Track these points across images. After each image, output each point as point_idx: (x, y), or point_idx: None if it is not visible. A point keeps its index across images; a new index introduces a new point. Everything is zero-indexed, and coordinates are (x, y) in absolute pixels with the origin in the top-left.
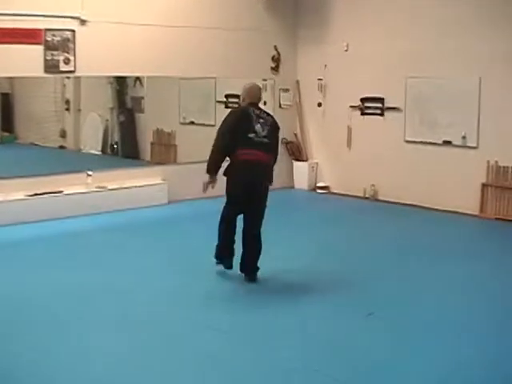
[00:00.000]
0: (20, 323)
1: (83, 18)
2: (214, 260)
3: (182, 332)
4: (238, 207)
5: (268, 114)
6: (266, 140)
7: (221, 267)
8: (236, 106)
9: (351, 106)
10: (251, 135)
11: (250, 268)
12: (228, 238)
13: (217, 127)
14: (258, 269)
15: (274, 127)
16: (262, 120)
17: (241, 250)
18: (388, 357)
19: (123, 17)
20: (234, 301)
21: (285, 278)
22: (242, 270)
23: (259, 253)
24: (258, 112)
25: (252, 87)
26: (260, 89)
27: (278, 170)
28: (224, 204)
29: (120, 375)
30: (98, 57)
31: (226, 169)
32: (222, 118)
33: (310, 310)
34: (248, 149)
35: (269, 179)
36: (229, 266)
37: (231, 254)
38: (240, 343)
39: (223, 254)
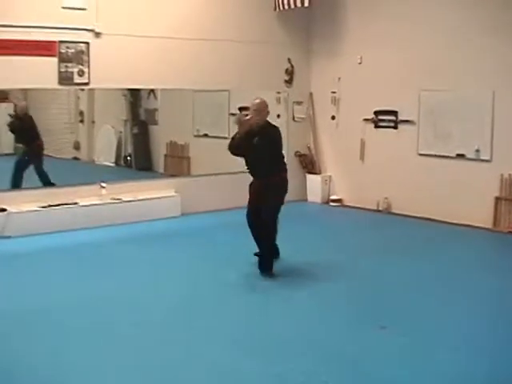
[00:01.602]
0: (33, 333)
1: (97, 30)
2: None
3: (196, 344)
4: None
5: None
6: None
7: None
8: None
9: (365, 119)
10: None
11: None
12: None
13: (229, 139)
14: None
15: (277, 139)
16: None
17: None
18: (400, 370)
19: (137, 29)
20: (246, 312)
21: (296, 290)
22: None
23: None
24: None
25: (257, 103)
26: (263, 103)
27: (291, 183)
28: None
29: None
30: (111, 69)
31: None
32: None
33: (322, 322)
34: None
35: None
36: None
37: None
38: (247, 353)
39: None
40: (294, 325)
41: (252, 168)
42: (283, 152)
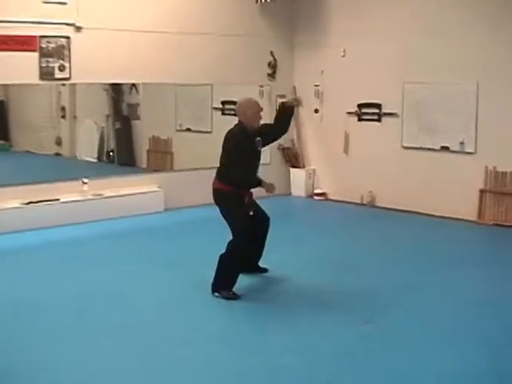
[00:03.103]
0: (18, 329)
1: (78, 24)
2: None
3: (179, 340)
4: None
5: (231, 128)
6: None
7: None
8: (233, 112)
9: (348, 112)
10: None
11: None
12: None
13: (213, 134)
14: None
15: (224, 141)
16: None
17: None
18: (389, 366)
19: (118, 23)
20: (230, 311)
21: (281, 287)
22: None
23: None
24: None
25: (239, 104)
26: (239, 106)
27: (275, 177)
28: None
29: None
30: (93, 64)
31: None
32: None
33: (308, 319)
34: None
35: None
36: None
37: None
38: (237, 354)
39: None
40: (281, 323)
41: (252, 175)
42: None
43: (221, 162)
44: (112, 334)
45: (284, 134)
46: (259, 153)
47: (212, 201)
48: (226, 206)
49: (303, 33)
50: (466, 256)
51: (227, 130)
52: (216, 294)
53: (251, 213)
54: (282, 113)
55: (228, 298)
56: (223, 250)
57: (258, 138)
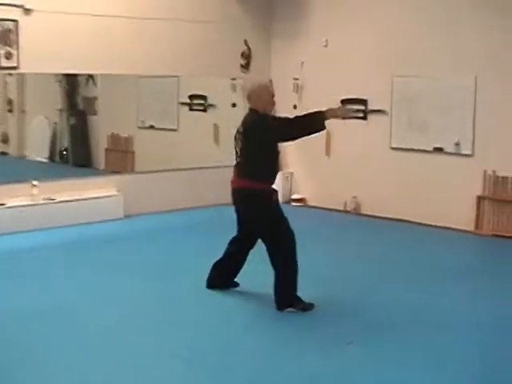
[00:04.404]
0: None
1: (28, 6)
2: None
3: (140, 360)
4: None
5: (248, 118)
6: (239, 158)
7: None
8: (202, 108)
9: None
10: (236, 157)
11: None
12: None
13: (180, 132)
14: None
15: (246, 132)
16: (239, 131)
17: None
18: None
19: (74, 6)
20: (194, 325)
21: (255, 302)
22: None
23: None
24: (242, 122)
25: (251, 88)
26: (253, 90)
27: None
28: None
29: None
30: (45, 51)
31: None
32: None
33: (282, 336)
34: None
35: (250, 210)
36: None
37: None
38: (202, 372)
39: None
40: (253, 340)
41: (276, 169)
42: None
43: (245, 156)
44: (67, 354)
45: (292, 141)
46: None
47: (177, 207)
48: (261, 207)
49: (281, 20)
50: (461, 271)
51: (243, 119)
52: (290, 309)
53: None
54: (316, 123)
55: (306, 309)
56: (275, 262)
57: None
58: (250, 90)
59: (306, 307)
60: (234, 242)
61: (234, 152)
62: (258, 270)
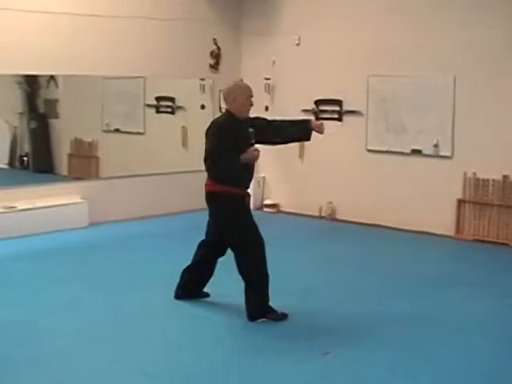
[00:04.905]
0: None
1: None
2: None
3: (108, 376)
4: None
5: (218, 118)
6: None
7: None
8: (169, 110)
9: (304, 110)
10: None
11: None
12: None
13: (146, 135)
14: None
15: (207, 135)
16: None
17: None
18: None
19: (33, 3)
20: (164, 339)
21: (226, 313)
22: None
23: None
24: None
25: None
26: (229, 91)
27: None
28: None
29: None
30: (1, 51)
31: None
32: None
33: (255, 347)
34: None
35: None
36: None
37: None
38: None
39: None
40: (224, 353)
41: (250, 170)
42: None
43: (208, 158)
44: (34, 371)
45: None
46: (253, 146)
47: (144, 214)
48: (224, 212)
49: (251, 17)
50: (441, 278)
51: (211, 122)
52: (263, 319)
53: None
54: (299, 132)
55: (279, 319)
56: (244, 270)
57: (251, 130)
58: (226, 90)
59: (279, 317)
60: (202, 247)
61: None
62: (228, 278)
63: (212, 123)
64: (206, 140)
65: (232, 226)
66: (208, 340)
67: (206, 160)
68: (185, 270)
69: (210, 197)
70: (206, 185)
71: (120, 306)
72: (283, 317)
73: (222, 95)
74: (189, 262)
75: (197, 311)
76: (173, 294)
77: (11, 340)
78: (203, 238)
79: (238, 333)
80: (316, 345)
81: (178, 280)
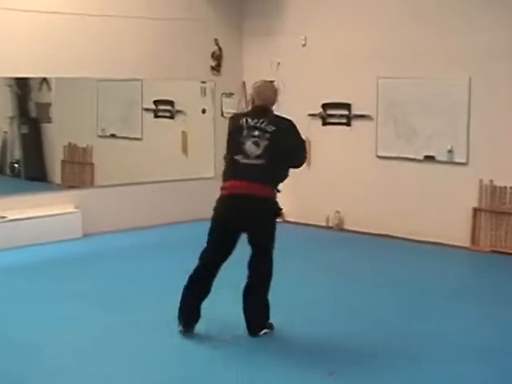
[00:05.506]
0: None
1: None
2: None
3: None
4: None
5: (272, 121)
6: (259, 162)
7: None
8: (168, 114)
9: (310, 115)
10: (238, 157)
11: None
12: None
13: (144, 141)
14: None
15: (275, 138)
16: (257, 132)
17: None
18: None
19: (24, 3)
20: (161, 360)
21: (224, 329)
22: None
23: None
24: (255, 121)
25: (261, 84)
26: (270, 87)
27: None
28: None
29: None
30: None
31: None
32: None
33: (254, 367)
34: (232, 179)
35: (261, 223)
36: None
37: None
38: None
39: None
40: (230, 373)
41: None
42: None
43: (271, 160)
44: None
45: None
46: None
47: (142, 224)
48: (272, 220)
49: (254, 16)
50: (456, 292)
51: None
52: (265, 331)
53: None
54: None
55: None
56: (249, 280)
57: None
58: (275, 88)
59: (272, 325)
60: (209, 268)
61: (239, 149)
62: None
63: (282, 118)
64: (280, 136)
65: (274, 230)
66: (205, 358)
67: (271, 159)
68: (185, 295)
69: (261, 202)
70: (247, 188)
71: (111, 323)
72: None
73: (267, 94)
74: (185, 281)
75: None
76: (171, 311)
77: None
78: (206, 254)
79: (237, 350)
80: (320, 363)
81: (179, 306)
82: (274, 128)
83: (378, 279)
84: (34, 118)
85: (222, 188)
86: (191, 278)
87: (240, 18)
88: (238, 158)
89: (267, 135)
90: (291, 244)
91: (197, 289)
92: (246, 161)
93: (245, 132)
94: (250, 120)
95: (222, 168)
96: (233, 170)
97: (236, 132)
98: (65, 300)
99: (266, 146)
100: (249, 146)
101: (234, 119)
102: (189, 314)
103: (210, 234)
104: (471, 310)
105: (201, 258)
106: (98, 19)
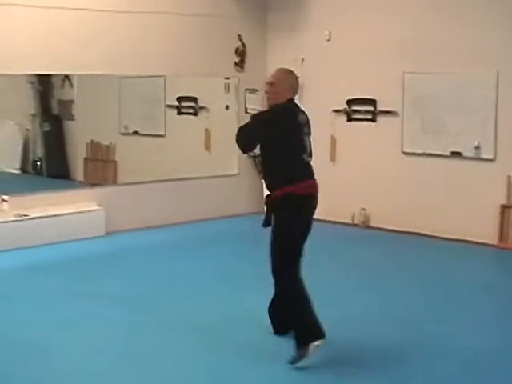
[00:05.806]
0: None
1: None
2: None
3: None
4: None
5: (307, 117)
6: (311, 160)
7: None
8: (192, 111)
9: (335, 111)
10: (304, 156)
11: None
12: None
13: (167, 138)
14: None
15: (308, 127)
16: (306, 129)
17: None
18: None
19: None
20: (183, 360)
21: (247, 334)
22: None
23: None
24: (302, 117)
25: (289, 76)
26: (295, 77)
27: (245, 192)
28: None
29: None
30: (12, 49)
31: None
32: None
33: (278, 369)
34: (308, 179)
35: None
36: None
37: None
38: None
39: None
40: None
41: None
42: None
43: (310, 154)
44: None
45: None
46: None
47: (165, 222)
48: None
49: (278, 11)
50: (484, 290)
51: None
52: (317, 343)
53: None
54: None
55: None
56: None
57: None
58: (297, 78)
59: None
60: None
61: (303, 148)
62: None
63: (306, 114)
64: (308, 133)
65: None
66: (225, 366)
67: (311, 155)
68: (308, 304)
69: (316, 199)
70: (313, 186)
71: (134, 323)
72: None
73: (292, 84)
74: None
75: (215, 328)
76: (192, 310)
77: (16, 359)
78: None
79: (255, 362)
80: (344, 375)
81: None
82: (309, 124)
83: (405, 277)
84: (57, 116)
85: (297, 187)
86: (300, 289)
87: (264, 13)
88: (304, 156)
89: (308, 131)
90: (317, 242)
91: (308, 296)
92: (309, 159)
93: (304, 129)
94: (299, 116)
95: (280, 166)
96: (302, 169)
97: (296, 129)
98: (85, 299)
99: (310, 143)
100: (307, 144)
101: (288, 115)
102: (319, 323)
103: (293, 236)
104: (499, 308)
105: (295, 267)
106: (122, 16)
